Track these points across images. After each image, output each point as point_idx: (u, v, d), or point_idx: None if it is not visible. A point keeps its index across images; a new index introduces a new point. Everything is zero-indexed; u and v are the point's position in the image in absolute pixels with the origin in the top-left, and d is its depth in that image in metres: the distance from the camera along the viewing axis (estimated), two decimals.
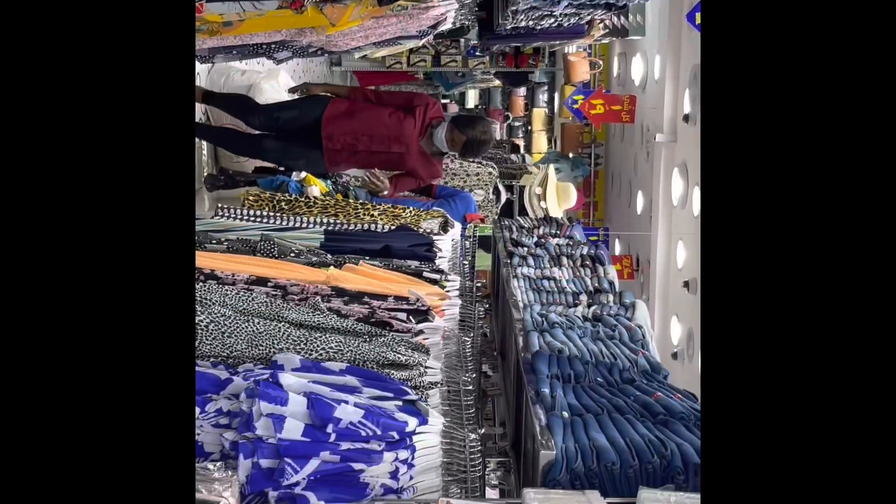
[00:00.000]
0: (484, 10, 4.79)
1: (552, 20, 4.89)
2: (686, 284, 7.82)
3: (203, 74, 5.90)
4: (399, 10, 3.15)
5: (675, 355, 7.81)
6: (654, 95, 9.33)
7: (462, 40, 6.98)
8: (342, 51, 4.88)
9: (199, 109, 5.96)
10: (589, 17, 5.22)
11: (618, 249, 10.92)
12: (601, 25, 6.00)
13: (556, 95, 13.21)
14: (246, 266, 3.05)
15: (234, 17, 3.17)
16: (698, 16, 4.75)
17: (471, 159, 7.02)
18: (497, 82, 12.90)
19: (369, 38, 4.09)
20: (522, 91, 13.94)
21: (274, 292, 2.83)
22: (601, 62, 11.30)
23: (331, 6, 3.09)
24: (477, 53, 9.94)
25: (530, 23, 4.87)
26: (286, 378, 2.07)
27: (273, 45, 4.09)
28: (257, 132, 5.34)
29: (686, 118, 8.11)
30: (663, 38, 8.78)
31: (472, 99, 13.42)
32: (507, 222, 5.37)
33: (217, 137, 5.87)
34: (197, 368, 2.22)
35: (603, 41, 10.34)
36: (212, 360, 2.32)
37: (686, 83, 8.23)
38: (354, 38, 3.92)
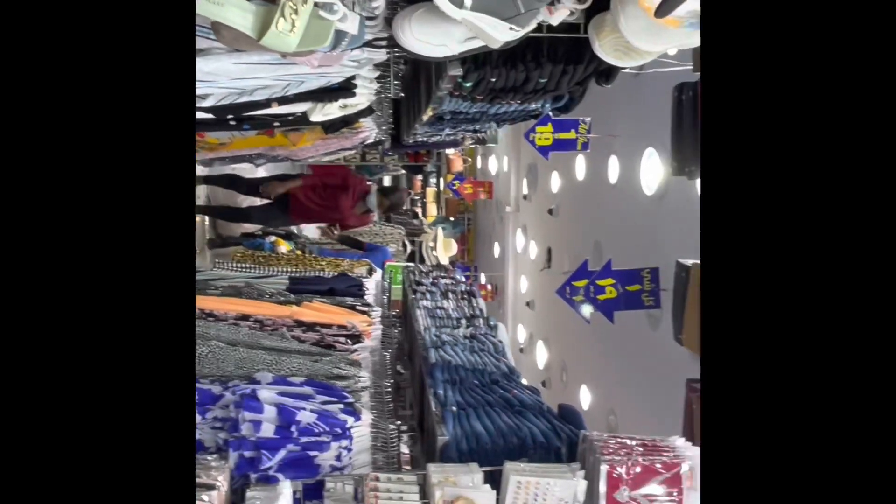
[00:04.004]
0: (394, 130, 4.74)
1: (439, 137, 4.89)
2: (528, 304, 7.88)
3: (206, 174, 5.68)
4: (338, 134, 3.08)
5: (521, 350, 7.84)
6: (503, 182, 9.45)
7: (379, 147, 6.98)
8: (300, 158, 4.78)
9: (202, 193, 5.73)
10: (462, 135, 5.25)
11: (483, 280, 10.95)
12: (470, 139, 6.09)
13: (442, 180, 13.30)
14: (234, 306, 2.88)
15: (227, 139, 3.04)
16: (531, 135, 4.79)
17: (384, 223, 7.05)
18: (403, 171, 12.96)
19: (319, 151, 4.00)
20: (420, 177, 13.99)
21: (254, 325, 2.68)
22: (469, 159, 11.42)
23: (292, 133, 2.99)
24: (389, 154, 9.89)
25: (424, 139, 4.86)
26: (262, 392, 1.95)
27: (253, 155, 3.96)
28: (245, 207, 5.31)
29: (525, 196, 8.23)
30: (508, 145, 8.93)
31: (387, 181, 13.46)
32: (411, 266, 5.30)
33: (217, 212, 5.70)
34: (199, 386, 2.07)
35: (470, 146, 10.44)
36: (210, 379, 2.17)
37: (523, 174, 8.36)
38: (309, 151, 3.82)
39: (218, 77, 1.62)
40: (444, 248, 7.25)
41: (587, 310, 4.21)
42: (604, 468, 1.76)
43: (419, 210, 13.79)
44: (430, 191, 14.69)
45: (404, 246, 7.44)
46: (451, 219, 12.71)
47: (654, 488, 1.76)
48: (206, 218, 5.85)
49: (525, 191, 8.22)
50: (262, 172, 5.90)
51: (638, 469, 1.77)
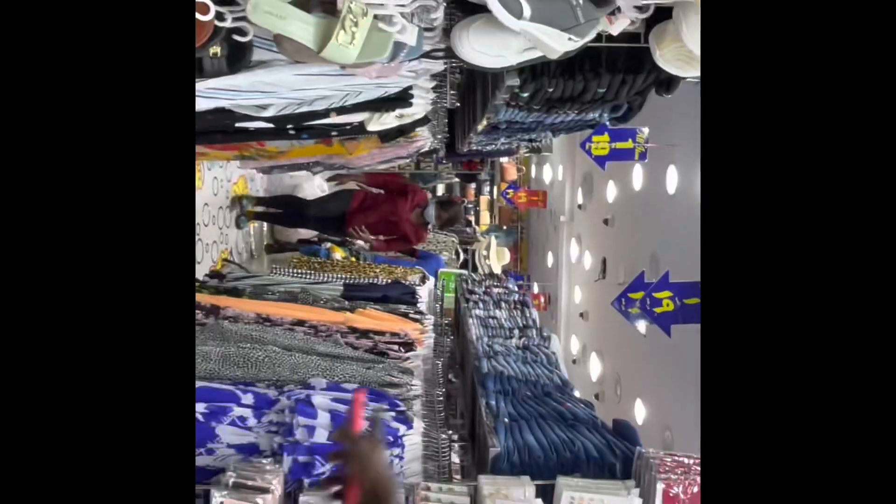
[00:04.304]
0: (449, 138, 4.77)
1: (493, 146, 4.88)
2: (582, 315, 7.77)
3: (266, 180, 5.84)
4: (394, 143, 3.11)
5: (574, 361, 7.73)
6: (558, 191, 9.37)
7: (434, 155, 7.00)
8: (356, 166, 4.86)
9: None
10: (517, 144, 5.23)
11: (535, 289, 10.85)
12: (524, 147, 6.06)
13: (495, 188, 13.27)
14: (290, 311, 2.94)
15: (286, 148, 3.11)
16: (588, 144, 4.73)
17: (439, 230, 7.05)
18: (456, 179, 12.99)
19: (375, 159, 4.05)
20: (473, 185, 13.99)
21: (309, 331, 2.72)
22: (524, 168, 11.37)
23: (348, 142, 3.04)
24: (443, 162, 9.94)
25: (479, 147, 4.86)
26: (316, 398, 1.98)
27: (311, 163, 4.04)
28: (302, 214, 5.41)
29: (579, 206, 8.13)
30: (563, 154, 8.85)
31: (440, 189, 13.52)
32: (464, 275, 5.29)
33: (274, 218, 5.83)
34: (256, 389, 2.12)
35: (525, 155, 10.39)
36: (266, 383, 2.22)
37: (578, 183, 8.27)
38: (365, 159, 3.88)
39: (279, 88, 1.66)
40: (496, 257, 7.22)
41: (643, 323, 4.12)
42: (660, 487, 1.72)
43: (472, 218, 13.80)
44: (484, 199, 14.69)
45: (457, 254, 7.45)
46: (504, 227, 12.67)
47: None
48: (265, 224, 6.01)
49: (580, 200, 8.13)
50: (318, 178, 6.03)
51: (695, 489, 1.72)
